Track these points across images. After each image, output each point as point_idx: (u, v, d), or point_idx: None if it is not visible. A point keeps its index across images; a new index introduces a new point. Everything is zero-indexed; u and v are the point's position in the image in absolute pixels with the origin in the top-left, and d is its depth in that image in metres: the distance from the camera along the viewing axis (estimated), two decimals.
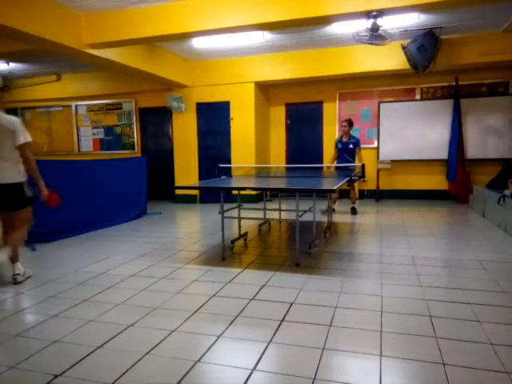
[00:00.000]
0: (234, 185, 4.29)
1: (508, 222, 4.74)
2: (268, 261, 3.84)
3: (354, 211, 6.41)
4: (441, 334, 2.20)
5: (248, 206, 5.86)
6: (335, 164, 6.42)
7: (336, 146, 6.53)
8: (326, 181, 4.56)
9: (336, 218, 6.16)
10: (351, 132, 6.49)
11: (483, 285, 3.01)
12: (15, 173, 3.12)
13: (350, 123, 6.44)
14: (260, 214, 5.52)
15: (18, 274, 3.24)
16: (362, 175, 5.18)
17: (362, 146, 6.60)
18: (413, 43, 6.17)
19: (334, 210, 6.65)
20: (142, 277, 3.36)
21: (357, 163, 6.15)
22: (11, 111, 9.95)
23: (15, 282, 3.21)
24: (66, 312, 2.63)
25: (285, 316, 2.49)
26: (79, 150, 9.51)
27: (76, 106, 9.42)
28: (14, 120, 3.11)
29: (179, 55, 7.46)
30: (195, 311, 2.60)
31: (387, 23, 5.14)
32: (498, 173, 6.67)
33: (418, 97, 7.81)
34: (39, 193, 3.26)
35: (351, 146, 6.35)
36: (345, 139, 6.40)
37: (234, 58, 7.65)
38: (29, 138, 3.12)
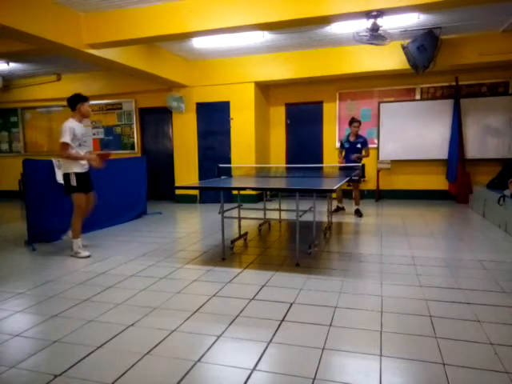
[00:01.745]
0: (233, 185, 4.29)
1: (508, 221, 4.74)
2: (268, 261, 3.85)
3: (358, 213, 6.25)
4: (441, 334, 2.20)
5: (248, 206, 5.86)
6: (343, 164, 6.28)
7: (342, 146, 6.39)
8: (326, 181, 4.56)
9: (336, 217, 6.15)
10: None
11: (483, 285, 3.01)
12: (65, 165, 4.05)
13: (360, 123, 6.34)
14: (260, 214, 5.52)
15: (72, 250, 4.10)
16: (362, 175, 5.18)
17: None
18: (413, 43, 6.17)
19: (343, 208, 6.64)
20: (142, 277, 3.36)
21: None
22: (11, 111, 9.98)
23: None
24: (66, 312, 2.63)
25: (285, 316, 2.49)
26: None
27: None
28: (63, 124, 3.97)
29: (179, 55, 7.46)
30: (195, 311, 2.60)
31: (387, 23, 5.14)
32: (498, 173, 6.67)
33: (418, 97, 7.81)
34: (91, 164, 4.14)
35: (359, 145, 6.24)
36: (352, 139, 6.28)
37: (234, 58, 7.65)
38: (62, 139, 3.88)
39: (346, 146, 6.33)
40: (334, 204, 6.51)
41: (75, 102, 4.04)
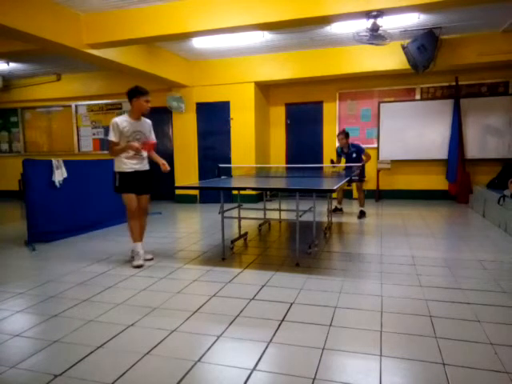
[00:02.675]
0: (233, 185, 4.29)
1: (508, 221, 4.74)
2: (268, 261, 3.84)
3: (362, 215, 6.11)
4: (441, 334, 2.20)
5: (248, 206, 5.86)
6: (340, 165, 6.20)
7: (339, 154, 6.28)
8: (326, 181, 4.56)
9: (336, 218, 6.15)
10: (350, 141, 6.20)
11: (483, 285, 3.01)
12: (115, 164, 3.74)
13: (346, 134, 6.12)
14: (260, 214, 5.52)
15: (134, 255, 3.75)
16: (362, 175, 5.17)
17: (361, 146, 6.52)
18: (413, 43, 6.17)
19: (341, 210, 6.58)
20: (142, 277, 3.36)
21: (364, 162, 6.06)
22: (11, 111, 9.98)
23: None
24: (66, 312, 2.63)
25: (285, 316, 2.49)
26: (79, 150, 9.51)
27: (76, 105, 9.42)
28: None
29: (179, 55, 7.46)
30: (195, 311, 2.60)
31: (387, 23, 5.14)
32: (498, 173, 6.67)
33: (418, 97, 7.81)
34: (162, 169, 3.84)
35: (354, 155, 6.09)
36: (345, 150, 6.14)
37: (234, 58, 7.65)
38: (108, 138, 3.64)
39: (343, 156, 6.20)
40: (334, 204, 6.51)
41: (130, 97, 3.63)
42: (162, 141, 8.92)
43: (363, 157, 6.19)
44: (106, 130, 9.22)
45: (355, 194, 7.64)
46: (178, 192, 8.19)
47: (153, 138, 3.90)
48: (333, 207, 6.32)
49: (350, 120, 8.20)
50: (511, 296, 2.76)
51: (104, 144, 9.32)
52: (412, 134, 7.78)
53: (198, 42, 6.50)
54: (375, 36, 4.96)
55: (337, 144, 6.51)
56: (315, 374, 1.84)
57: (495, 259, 3.69)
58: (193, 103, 8.06)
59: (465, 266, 3.52)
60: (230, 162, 7.78)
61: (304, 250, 3.94)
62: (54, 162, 4.79)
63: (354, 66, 7.05)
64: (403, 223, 5.57)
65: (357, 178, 5.71)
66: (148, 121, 3.85)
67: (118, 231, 5.35)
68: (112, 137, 3.61)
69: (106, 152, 9.15)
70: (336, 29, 5.94)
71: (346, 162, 6.17)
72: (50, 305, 2.77)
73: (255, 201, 7.78)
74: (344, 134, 6.10)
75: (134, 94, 3.61)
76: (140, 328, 2.37)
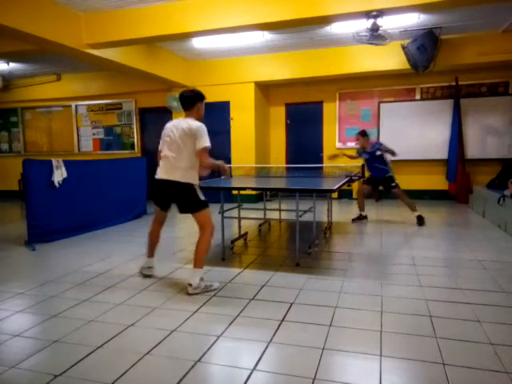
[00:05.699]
0: (233, 185, 4.29)
1: (508, 221, 4.74)
2: (268, 261, 3.84)
3: (420, 220, 5.44)
4: (441, 334, 2.20)
5: (248, 206, 5.85)
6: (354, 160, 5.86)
7: (360, 154, 5.89)
8: (326, 181, 4.56)
9: (336, 217, 6.15)
10: (369, 140, 5.82)
11: (483, 285, 3.01)
12: (187, 174, 3.06)
13: (362, 133, 5.72)
14: (260, 214, 5.52)
15: (191, 285, 2.90)
16: (362, 175, 5.16)
17: None
18: (413, 43, 6.17)
19: (366, 217, 5.91)
20: (142, 277, 3.36)
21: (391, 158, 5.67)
22: (11, 111, 9.97)
23: (187, 293, 2.91)
24: (66, 312, 2.63)
25: (285, 316, 2.49)
26: (79, 150, 9.51)
27: (76, 105, 9.41)
28: (196, 125, 2.99)
29: (179, 55, 7.46)
30: (195, 311, 2.60)
31: (387, 23, 5.14)
32: (498, 173, 6.67)
33: (418, 97, 7.81)
34: (222, 173, 3.36)
35: (378, 152, 5.65)
36: (368, 149, 5.72)
37: (234, 58, 7.65)
38: (206, 144, 2.99)
39: (366, 156, 5.78)
40: (354, 212, 5.99)
41: (195, 100, 3.11)
42: None
43: (383, 154, 5.67)
44: (106, 130, 9.25)
45: (355, 194, 7.63)
46: None
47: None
48: (355, 216, 5.88)
49: (350, 120, 8.20)
50: (511, 296, 2.76)
51: (104, 144, 9.31)
52: (412, 133, 7.78)
53: (197, 42, 6.49)
54: (375, 36, 4.96)
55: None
56: (315, 374, 1.84)
57: (495, 259, 3.68)
58: None
59: (465, 265, 3.52)
60: (230, 162, 7.78)
61: (304, 250, 3.93)
62: (54, 162, 4.78)
63: (354, 66, 7.04)
64: (403, 223, 5.57)
65: (357, 177, 5.41)
66: None
67: (118, 231, 5.35)
68: (209, 142, 3.00)
69: (106, 152, 9.16)
70: (336, 29, 5.94)
71: (370, 161, 5.74)
72: (49, 305, 2.77)
73: (255, 201, 7.78)
74: (360, 134, 5.75)
75: (202, 97, 3.13)
76: (140, 328, 2.37)
